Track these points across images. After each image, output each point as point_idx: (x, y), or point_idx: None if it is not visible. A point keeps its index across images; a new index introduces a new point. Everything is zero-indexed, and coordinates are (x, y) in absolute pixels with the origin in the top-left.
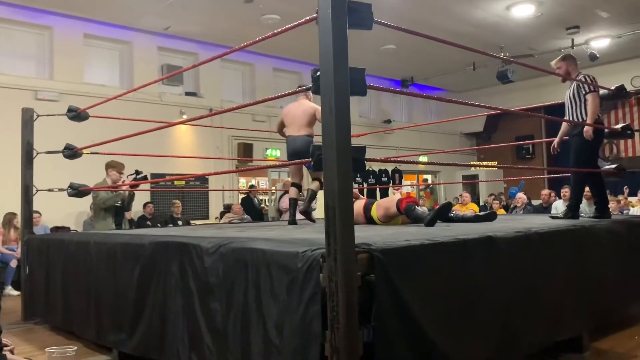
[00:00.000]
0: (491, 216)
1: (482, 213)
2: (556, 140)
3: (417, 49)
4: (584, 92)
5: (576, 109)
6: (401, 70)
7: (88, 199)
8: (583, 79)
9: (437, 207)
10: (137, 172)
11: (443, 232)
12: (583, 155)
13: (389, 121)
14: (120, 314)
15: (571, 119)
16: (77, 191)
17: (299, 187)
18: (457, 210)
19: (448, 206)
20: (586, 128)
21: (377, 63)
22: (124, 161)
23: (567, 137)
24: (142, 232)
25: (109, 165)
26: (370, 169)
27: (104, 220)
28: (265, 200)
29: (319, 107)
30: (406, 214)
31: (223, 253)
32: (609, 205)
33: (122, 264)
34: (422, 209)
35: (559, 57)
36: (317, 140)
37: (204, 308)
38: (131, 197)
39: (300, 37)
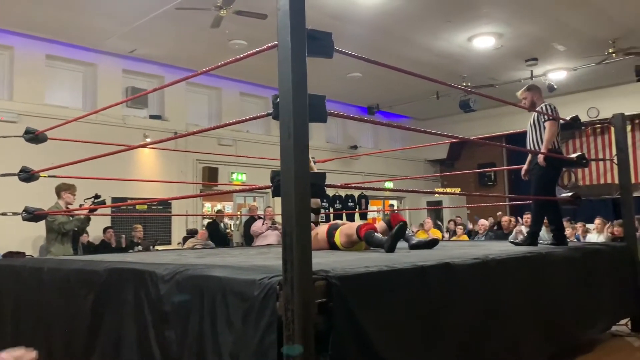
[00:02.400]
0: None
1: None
2: (524, 167)
3: (383, 77)
4: (543, 120)
5: (535, 136)
6: (367, 98)
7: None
8: (544, 108)
9: (393, 230)
10: (96, 196)
11: (402, 258)
12: (542, 184)
13: (355, 147)
14: (73, 343)
15: (530, 146)
16: (33, 215)
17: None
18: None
19: (403, 227)
20: (540, 156)
21: (344, 90)
22: (84, 185)
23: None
24: (98, 258)
25: (61, 189)
26: (336, 194)
27: (61, 245)
28: (231, 225)
29: None
30: (366, 241)
31: (179, 280)
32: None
33: (75, 291)
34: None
35: (524, 88)
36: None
37: (158, 337)
38: (87, 221)
39: (267, 62)
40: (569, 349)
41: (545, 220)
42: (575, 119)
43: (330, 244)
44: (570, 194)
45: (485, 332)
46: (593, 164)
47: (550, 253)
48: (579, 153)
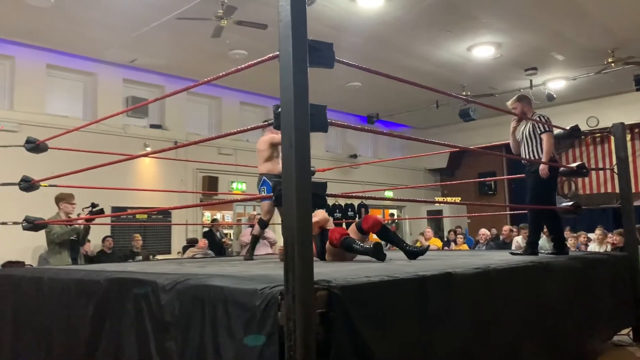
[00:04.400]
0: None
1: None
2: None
3: (382, 86)
4: (539, 132)
5: (532, 147)
6: (367, 107)
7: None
8: (538, 119)
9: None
10: (93, 205)
11: (403, 268)
12: (539, 193)
13: (355, 156)
14: (73, 353)
15: (527, 157)
16: (33, 225)
17: (264, 224)
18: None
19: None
20: (542, 166)
21: (344, 99)
22: (85, 194)
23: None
24: (98, 267)
25: (59, 198)
26: (336, 203)
27: (59, 255)
28: (230, 234)
29: (274, 135)
30: (346, 249)
31: (180, 290)
32: (567, 242)
33: (75, 301)
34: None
35: (514, 98)
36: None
37: (159, 347)
38: (86, 230)
39: (267, 72)
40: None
41: (546, 230)
42: (575, 128)
43: (317, 252)
44: (570, 203)
45: (486, 342)
46: (593, 173)
47: (551, 263)
48: (579, 162)
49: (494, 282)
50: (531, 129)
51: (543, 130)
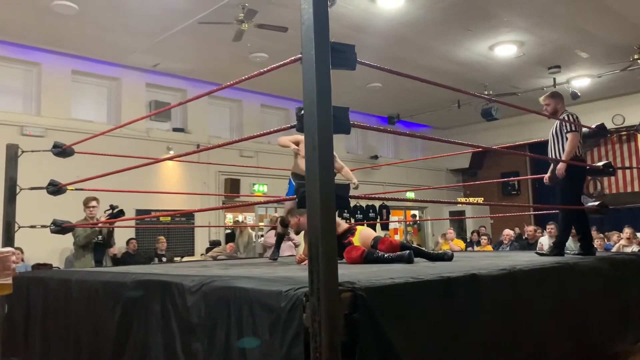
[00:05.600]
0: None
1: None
2: (547, 175)
3: (403, 87)
4: (565, 131)
5: (557, 146)
6: (387, 108)
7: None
8: (566, 118)
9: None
10: (112, 207)
11: (427, 269)
12: (567, 193)
13: (375, 157)
14: (101, 354)
15: (552, 155)
16: (61, 228)
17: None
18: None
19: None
20: (559, 166)
21: (364, 100)
22: (110, 197)
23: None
24: (125, 269)
25: (83, 203)
26: (357, 204)
27: (83, 258)
28: (252, 235)
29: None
30: (371, 261)
31: (205, 292)
32: (594, 242)
33: (103, 303)
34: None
35: (547, 94)
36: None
37: (185, 348)
38: (110, 233)
39: (287, 75)
40: None
41: (573, 230)
42: (601, 126)
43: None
44: (597, 203)
45: (513, 344)
46: (619, 172)
47: (578, 263)
48: (605, 161)
49: (520, 283)
50: (558, 128)
51: (569, 129)
